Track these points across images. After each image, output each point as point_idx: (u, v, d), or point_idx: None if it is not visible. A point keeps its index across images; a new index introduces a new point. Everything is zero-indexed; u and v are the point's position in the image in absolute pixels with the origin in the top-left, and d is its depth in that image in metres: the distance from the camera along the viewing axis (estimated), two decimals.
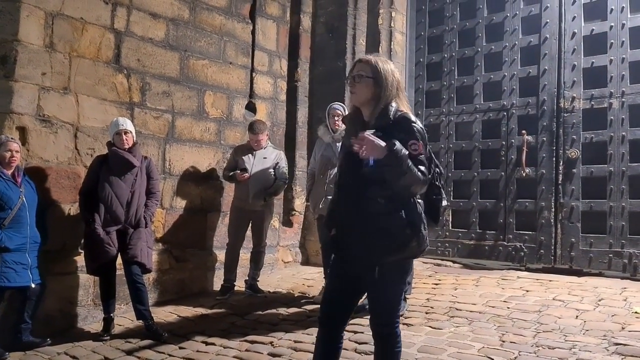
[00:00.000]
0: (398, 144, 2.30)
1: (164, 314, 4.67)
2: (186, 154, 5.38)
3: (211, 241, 5.56)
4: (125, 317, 4.57)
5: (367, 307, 4.46)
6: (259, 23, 6.12)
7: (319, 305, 4.36)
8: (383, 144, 2.28)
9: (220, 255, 5.46)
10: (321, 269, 5.16)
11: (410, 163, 2.30)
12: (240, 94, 5.95)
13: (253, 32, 6.07)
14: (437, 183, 2.57)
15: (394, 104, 2.46)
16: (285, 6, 6.49)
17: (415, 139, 2.37)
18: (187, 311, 4.76)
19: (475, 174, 6.09)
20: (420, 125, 2.46)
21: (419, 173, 2.33)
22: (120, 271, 4.31)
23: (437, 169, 2.59)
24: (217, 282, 5.40)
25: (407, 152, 2.31)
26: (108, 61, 4.77)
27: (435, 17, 6.61)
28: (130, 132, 4.34)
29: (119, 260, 4.28)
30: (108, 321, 4.25)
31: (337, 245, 2.57)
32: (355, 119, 2.57)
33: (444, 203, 2.60)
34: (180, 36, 5.33)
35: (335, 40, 6.50)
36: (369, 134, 2.31)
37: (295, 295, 5.08)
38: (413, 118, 2.45)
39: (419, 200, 2.46)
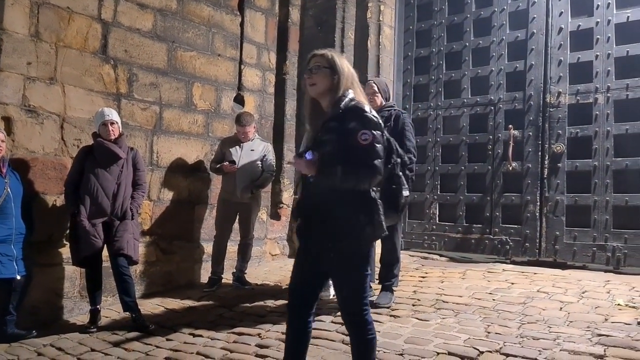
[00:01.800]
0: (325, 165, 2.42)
1: (151, 306, 4.66)
2: (174, 145, 5.36)
3: (198, 233, 5.55)
4: (111, 309, 4.56)
5: None
6: (247, 15, 6.09)
7: None
8: (312, 161, 2.45)
9: (208, 247, 5.45)
10: None
11: (343, 170, 2.37)
12: (229, 86, 5.92)
13: (242, 24, 6.03)
14: (397, 173, 2.61)
15: (349, 95, 2.51)
16: None
17: (367, 128, 2.40)
18: (174, 303, 4.75)
19: (462, 167, 6.13)
20: (375, 115, 2.47)
21: (365, 170, 2.39)
22: (106, 263, 4.29)
23: (399, 159, 2.63)
24: (205, 274, 5.40)
25: (337, 168, 2.38)
26: (95, 51, 4.73)
27: (423, 11, 6.63)
28: (116, 122, 4.31)
29: (106, 252, 4.26)
30: (94, 313, 4.23)
31: (302, 234, 2.64)
32: (315, 112, 2.64)
33: (405, 193, 2.63)
34: (168, 27, 5.29)
35: (324, 34, 6.49)
36: (296, 159, 2.54)
37: (283, 288, 5.08)
38: (367, 108, 2.47)
39: (374, 189, 2.51)
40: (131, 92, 5.00)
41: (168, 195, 5.31)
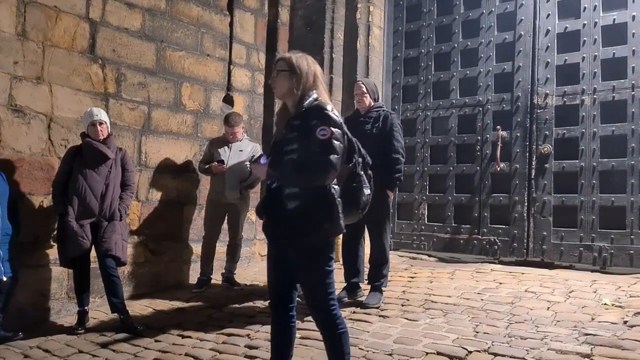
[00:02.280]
0: (276, 170, 2.57)
1: (140, 307, 4.63)
2: (162, 146, 5.33)
3: (187, 234, 5.53)
4: (99, 310, 4.53)
5: (344, 299, 4.49)
6: (236, 15, 6.07)
7: None
8: (264, 167, 2.61)
9: (197, 248, 5.43)
10: None
11: (297, 171, 2.51)
12: (218, 86, 5.91)
13: (231, 25, 6.02)
14: (358, 172, 2.69)
15: (312, 95, 2.61)
16: None
17: (326, 125, 2.50)
18: (163, 304, 4.73)
19: (451, 168, 6.16)
20: (336, 114, 2.57)
21: (319, 165, 2.47)
22: (94, 264, 4.26)
23: (360, 159, 2.71)
24: (194, 275, 5.38)
25: (291, 171, 2.52)
26: (83, 51, 4.69)
27: (412, 12, 6.64)
28: (105, 122, 4.28)
29: (94, 253, 4.23)
30: (82, 314, 4.21)
31: (267, 232, 2.74)
32: (284, 112, 2.75)
33: (367, 192, 2.69)
34: (157, 27, 5.27)
35: (313, 34, 6.48)
36: (253, 165, 2.75)
37: None
38: (328, 107, 2.57)
39: (334, 186, 2.58)
40: (119, 92, 4.97)
41: (156, 195, 5.29)
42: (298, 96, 2.62)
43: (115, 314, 4.21)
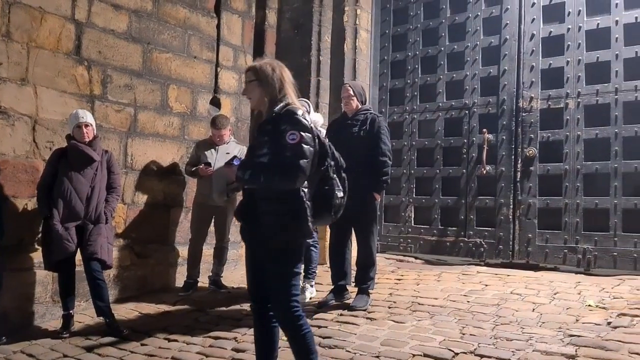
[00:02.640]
0: (246, 173, 2.63)
1: (125, 311, 4.60)
2: (149, 148, 5.30)
3: (174, 237, 5.50)
4: (85, 314, 4.48)
5: (331, 302, 4.49)
6: (224, 17, 6.06)
7: None
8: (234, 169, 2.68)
9: (183, 251, 5.40)
10: None
11: (265, 176, 2.55)
12: (205, 88, 5.89)
13: (218, 27, 6.01)
14: (330, 175, 2.73)
15: (284, 100, 2.67)
16: (250, 1, 6.44)
17: (296, 129, 2.55)
18: (149, 308, 4.70)
19: (438, 171, 6.19)
20: (306, 118, 2.63)
21: (288, 169, 2.52)
22: (79, 267, 4.22)
23: (333, 162, 2.76)
24: (180, 278, 5.35)
25: (260, 175, 2.58)
26: (68, 52, 4.65)
27: (399, 15, 6.68)
28: (91, 125, 4.25)
29: (79, 256, 4.19)
30: (67, 318, 4.16)
31: (243, 235, 2.81)
32: (260, 119, 2.85)
33: (339, 194, 2.73)
34: (143, 28, 5.24)
35: (300, 37, 6.49)
36: (226, 167, 2.80)
37: None
38: (299, 112, 2.62)
39: (304, 189, 2.62)
40: (105, 93, 4.93)
41: (142, 198, 5.25)
42: (267, 103, 2.69)
43: (101, 318, 4.17)
